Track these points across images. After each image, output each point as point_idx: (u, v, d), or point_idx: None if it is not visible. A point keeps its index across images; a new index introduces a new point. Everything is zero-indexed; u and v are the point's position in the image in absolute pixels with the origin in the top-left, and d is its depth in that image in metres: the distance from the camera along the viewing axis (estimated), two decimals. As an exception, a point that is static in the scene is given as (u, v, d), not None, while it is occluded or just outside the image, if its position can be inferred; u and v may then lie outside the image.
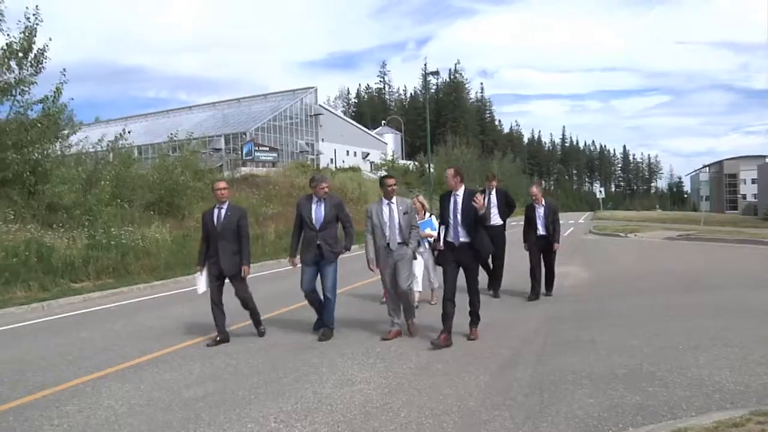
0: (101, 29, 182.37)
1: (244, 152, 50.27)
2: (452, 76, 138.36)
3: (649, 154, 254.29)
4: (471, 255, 7.36)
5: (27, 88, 17.99)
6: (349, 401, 5.42)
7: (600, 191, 73.55)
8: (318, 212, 8.08)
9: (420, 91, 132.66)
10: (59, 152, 19.88)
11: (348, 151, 71.71)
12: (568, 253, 19.42)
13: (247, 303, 8.16)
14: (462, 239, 7.33)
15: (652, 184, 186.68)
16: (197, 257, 8.33)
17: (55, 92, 18.42)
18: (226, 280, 8.01)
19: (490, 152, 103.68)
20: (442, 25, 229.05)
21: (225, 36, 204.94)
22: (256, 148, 51.38)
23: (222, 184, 8.16)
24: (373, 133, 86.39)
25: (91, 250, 15.46)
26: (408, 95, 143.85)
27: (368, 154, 73.00)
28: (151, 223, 19.94)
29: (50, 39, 18.19)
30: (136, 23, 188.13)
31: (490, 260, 9.90)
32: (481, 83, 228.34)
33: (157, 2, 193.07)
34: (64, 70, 18.66)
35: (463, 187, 7.39)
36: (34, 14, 17.71)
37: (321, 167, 52.12)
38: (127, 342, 8.21)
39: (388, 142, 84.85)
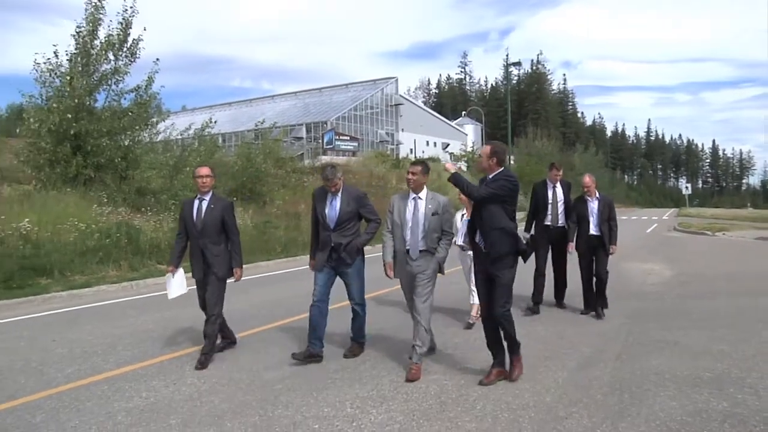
0: (190, 21, 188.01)
1: (324, 141, 50.95)
2: (534, 67, 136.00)
3: (740, 149, 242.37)
4: (490, 260, 5.67)
5: (121, 78, 18.81)
6: (425, 391, 5.50)
7: (686, 187, 71.07)
8: (333, 207, 6.61)
9: (501, 82, 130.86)
10: (148, 139, 20.65)
11: (428, 142, 71.56)
12: (650, 250, 18.97)
13: (211, 311, 6.62)
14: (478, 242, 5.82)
15: (743, 181, 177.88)
16: (170, 254, 7.24)
17: (147, 81, 19.18)
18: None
19: (572, 145, 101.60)
20: (526, 15, 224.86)
21: (308, 26, 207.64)
22: (337, 137, 51.99)
23: (204, 171, 6.77)
24: (453, 123, 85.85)
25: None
26: (489, 86, 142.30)
27: (448, 144, 72.60)
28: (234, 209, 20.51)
29: (144, 29, 19.02)
30: (222, 15, 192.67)
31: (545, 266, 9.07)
32: (564, 74, 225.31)
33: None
34: (157, 59, 19.38)
35: (500, 171, 5.72)
36: (131, 6, 18.54)
37: (401, 157, 52.20)
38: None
39: (468, 133, 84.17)
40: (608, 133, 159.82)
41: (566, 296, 9.47)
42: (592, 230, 8.86)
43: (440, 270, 6.25)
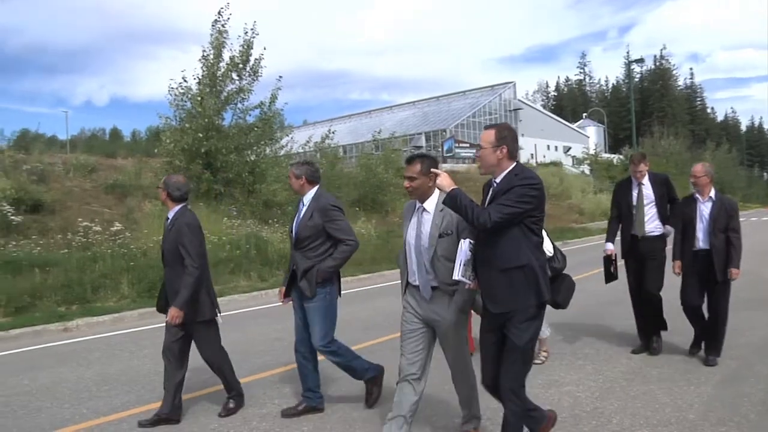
0: (309, 38, 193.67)
1: (444, 149, 50.99)
2: (658, 63, 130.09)
3: None
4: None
5: (246, 96, 19.67)
6: (557, 403, 5.32)
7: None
8: (296, 219, 5.38)
9: (623, 80, 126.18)
10: (272, 154, 21.40)
11: (548, 146, 70.13)
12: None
13: (211, 366, 5.56)
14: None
15: None
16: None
17: (270, 98, 19.96)
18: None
19: (702, 143, 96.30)
20: (646, 9, 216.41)
21: (424, 37, 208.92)
22: (457, 145, 51.90)
23: (173, 179, 5.51)
24: (574, 126, 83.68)
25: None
26: (610, 86, 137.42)
27: (570, 148, 70.88)
28: (357, 219, 20.85)
29: (264, 49, 19.79)
30: (340, 30, 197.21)
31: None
32: (691, 69, 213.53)
33: (358, 9, 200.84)
34: (280, 77, 20.15)
35: (512, 169, 3.86)
36: (251, 29, 19.36)
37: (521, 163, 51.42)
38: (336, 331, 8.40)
39: (590, 135, 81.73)
40: (743, 128, 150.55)
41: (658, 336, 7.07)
42: (700, 243, 6.47)
43: (474, 309, 4.65)
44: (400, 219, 22.52)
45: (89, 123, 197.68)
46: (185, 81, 19.16)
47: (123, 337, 9.03)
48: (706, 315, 6.58)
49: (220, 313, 5.54)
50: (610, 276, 7.10)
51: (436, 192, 4.21)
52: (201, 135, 18.22)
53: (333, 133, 24.98)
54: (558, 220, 30.00)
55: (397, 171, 27.41)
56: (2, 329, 9.35)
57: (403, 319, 4.39)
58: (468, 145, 53.38)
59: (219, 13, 19.05)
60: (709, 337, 6.54)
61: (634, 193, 6.98)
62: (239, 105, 19.74)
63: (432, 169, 4.03)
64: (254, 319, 10.01)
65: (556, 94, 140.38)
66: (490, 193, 3.91)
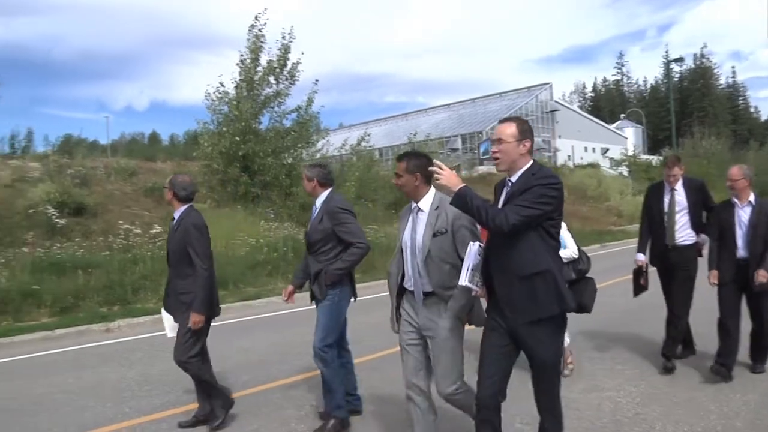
0: (345, 42, 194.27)
1: (480, 151, 50.76)
2: (698, 62, 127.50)
3: None
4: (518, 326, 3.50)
5: (283, 100, 19.93)
6: (598, 408, 5.26)
7: None
8: (310, 222, 5.34)
9: (662, 80, 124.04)
10: (308, 157, 21.59)
11: (586, 147, 69.29)
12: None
13: (187, 369, 5.21)
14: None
15: None
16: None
17: (307, 102, 20.17)
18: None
19: (745, 143, 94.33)
20: (686, 8, 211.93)
21: (459, 39, 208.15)
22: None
23: (179, 178, 5.42)
24: (611, 127, 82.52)
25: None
26: (648, 86, 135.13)
27: (607, 149, 69.96)
28: (393, 222, 20.89)
29: (302, 53, 20.00)
30: (375, 34, 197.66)
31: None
32: (733, 67, 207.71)
33: (393, 12, 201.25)
34: (316, 80, 20.35)
35: (529, 167, 3.57)
36: (289, 33, 19.60)
37: (558, 165, 50.99)
38: (373, 335, 8.14)
39: (629, 136, 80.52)
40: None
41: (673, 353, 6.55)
42: (740, 251, 5.98)
43: (469, 321, 4.07)
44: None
45: (129, 127, 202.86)
46: (222, 85, 19.50)
47: (163, 338, 9.16)
48: (744, 324, 6.18)
49: (218, 315, 5.40)
50: (639, 288, 6.69)
51: (431, 191, 4.08)
52: (238, 138, 18.48)
53: (369, 135, 25.09)
54: (596, 223, 29.67)
55: (433, 174, 27.44)
56: (48, 329, 9.61)
57: (402, 329, 4.17)
58: (504, 146, 53.07)
59: (256, 18, 19.35)
60: (755, 345, 6.25)
61: (666, 199, 6.49)
62: (276, 109, 19.98)
63: (430, 168, 3.59)
64: (292, 321, 10.09)
65: (593, 95, 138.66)
66: (504, 193, 3.59)
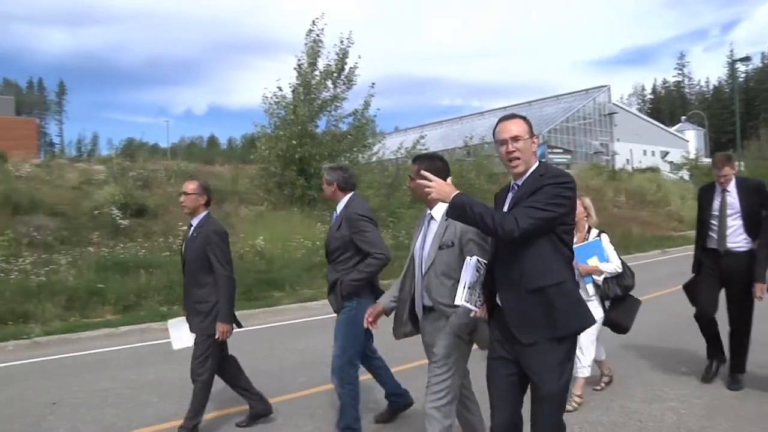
0: (400, 45, 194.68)
1: (537, 155, 50.30)
2: (766, 61, 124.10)
3: None
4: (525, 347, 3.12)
5: (340, 104, 20.11)
6: (660, 420, 5.09)
7: None
8: (330, 229, 5.07)
9: (726, 81, 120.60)
10: (365, 160, 21.69)
11: (645, 151, 67.89)
12: None
13: (199, 381, 5.00)
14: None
15: None
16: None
17: (363, 106, 20.31)
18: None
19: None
20: (752, 4, 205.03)
21: (515, 41, 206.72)
22: (549, 150, 51.04)
23: (187, 187, 5.16)
24: (671, 130, 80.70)
25: (396, 249, 16.71)
26: (711, 87, 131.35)
27: (667, 153, 68.36)
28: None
29: (359, 57, 20.14)
30: (431, 37, 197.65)
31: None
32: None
33: (449, 15, 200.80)
34: (373, 84, 20.41)
35: (538, 167, 3.27)
36: (347, 38, 19.77)
37: (617, 168, 50.07)
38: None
39: (690, 139, 78.61)
40: None
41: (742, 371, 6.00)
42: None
43: (479, 342, 3.71)
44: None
45: (188, 131, 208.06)
46: (280, 89, 19.76)
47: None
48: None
49: (239, 327, 5.29)
50: (696, 299, 6.21)
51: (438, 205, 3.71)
52: (295, 142, 18.71)
53: (424, 139, 25.07)
54: (656, 228, 29.04)
55: (489, 177, 27.26)
56: (112, 326, 9.93)
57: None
58: (561, 150, 52.39)
59: (313, 23, 19.55)
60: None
61: (717, 202, 5.96)
62: (333, 112, 20.18)
63: (419, 181, 3.23)
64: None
65: (652, 97, 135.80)
66: (509, 199, 3.23)
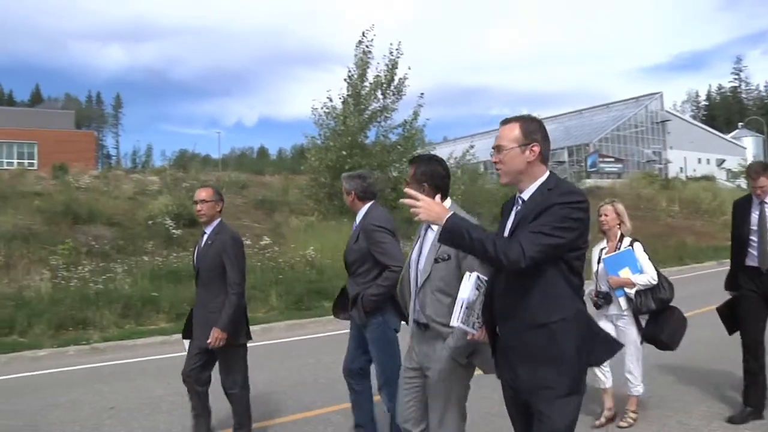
0: (448, 55, 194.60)
1: (588, 164, 49.64)
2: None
3: None
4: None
5: (389, 114, 20.16)
6: None
7: None
8: (349, 240, 4.87)
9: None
10: (413, 170, 21.71)
11: (699, 159, 66.44)
12: None
13: (232, 395, 5.00)
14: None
15: None
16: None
17: (413, 116, 20.33)
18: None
19: None
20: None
21: (564, 49, 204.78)
22: (600, 160, 50.41)
23: (201, 194, 4.97)
24: (728, 137, 78.75)
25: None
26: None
27: (723, 161, 66.77)
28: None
29: (409, 68, 20.20)
30: (479, 46, 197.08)
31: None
32: None
33: (496, 24, 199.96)
34: (422, 94, 20.38)
35: (545, 181, 2.85)
36: (396, 49, 19.85)
37: (670, 177, 49.08)
38: None
39: (747, 146, 76.41)
40: None
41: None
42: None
43: (482, 366, 3.35)
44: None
45: (239, 142, 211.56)
46: (330, 100, 19.93)
47: (271, 347, 9.45)
48: None
49: (251, 339, 5.16)
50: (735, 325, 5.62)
51: (445, 204, 3.19)
52: (345, 152, 18.82)
53: (473, 148, 25.01)
54: (711, 238, 28.29)
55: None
56: (165, 333, 10.13)
57: (405, 356, 3.73)
58: (613, 159, 51.78)
59: (363, 34, 19.69)
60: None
61: (755, 215, 5.35)
62: (382, 123, 20.25)
63: (401, 200, 2.84)
64: (401, 333, 10.17)
65: (707, 103, 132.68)
66: (513, 214, 2.85)
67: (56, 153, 35.62)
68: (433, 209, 2.67)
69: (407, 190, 2.82)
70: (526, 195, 2.80)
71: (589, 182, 43.17)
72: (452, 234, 2.63)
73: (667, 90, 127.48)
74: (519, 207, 2.82)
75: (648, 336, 5.21)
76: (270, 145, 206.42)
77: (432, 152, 23.32)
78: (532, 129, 2.81)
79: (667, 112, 67.51)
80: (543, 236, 2.57)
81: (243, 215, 18.93)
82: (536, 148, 2.78)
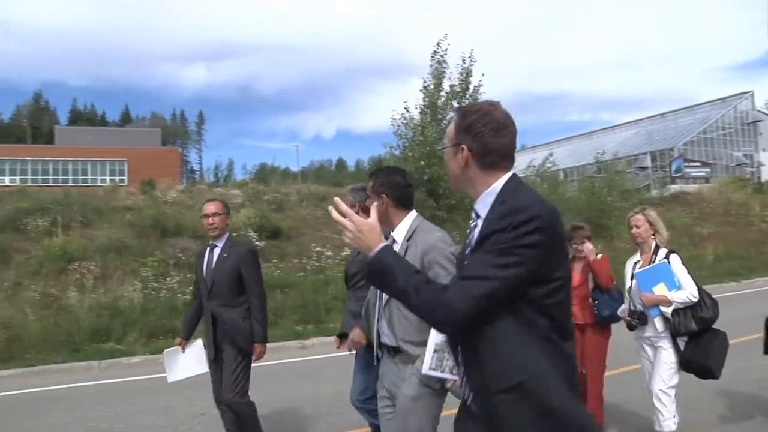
0: (523, 61, 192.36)
1: (672, 169, 48.11)
2: None
3: None
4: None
5: (466, 124, 20.07)
6: None
7: None
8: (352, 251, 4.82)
9: None
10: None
11: (795, 161, 63.49)
12: None
13: (225, 397, 4.93)
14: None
15: None
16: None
17: (489, 124, 20.18)
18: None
19: None
20: None
21: (644, 51, 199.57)
22: (686, 164, 48.76)
23: (210, 207, 5.00)
24: (829, 137, 75.00)
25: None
26: None
27: (826, 162, 63.53)
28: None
29: (483, 75, 20.08)
30: (555, 51, 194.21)
31: None
32: None
33: (573, 28, 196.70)
34: (498, 102, 20.27)
35: (501, 185, 2.13)
36: (469, 57, 19.78)
37: (763, 180, 46.98)
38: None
39: None
40: None
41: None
42: None
43: (454, 391, 2.85)
44: (625, 244, 21.57)
45: (317, 155, 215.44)
46: (408, 111, 20.00)
47: (353, 358, 9.48)
48: None
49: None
50: None
51: (410, 216, 3.15)
52: (423, 163, 18.84)
53: (552, 156, 24.63)
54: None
55: (621, 194, 26.32)
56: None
57: (377, 385, 3.42)
58: (699, 164, 49.95)
59: (438, 44, 19.69)
60: None
61: None
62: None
63: (339, 204, 2.18)
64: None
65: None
66: (476, 235, 2.09)
67: (144, 169, 37.18)
68: (364, 235, 2.07)
69: (340, 204, 2.17)
70: (479, 208, 2.15)
71: (675, 188, 41.82)
72: (375, 273, 2.06)
73: (758, 88, 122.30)
74: (475, 223, 2.15)
75: (685, 361, 4.64)
76: (348, 157, 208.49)
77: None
78: (469, 123, 2.15)
79: (759, 111, 64.57)
80: (478, 282, 1.91)
81: (323, 227, 19.14)
82: (463, 153, 2.13)
